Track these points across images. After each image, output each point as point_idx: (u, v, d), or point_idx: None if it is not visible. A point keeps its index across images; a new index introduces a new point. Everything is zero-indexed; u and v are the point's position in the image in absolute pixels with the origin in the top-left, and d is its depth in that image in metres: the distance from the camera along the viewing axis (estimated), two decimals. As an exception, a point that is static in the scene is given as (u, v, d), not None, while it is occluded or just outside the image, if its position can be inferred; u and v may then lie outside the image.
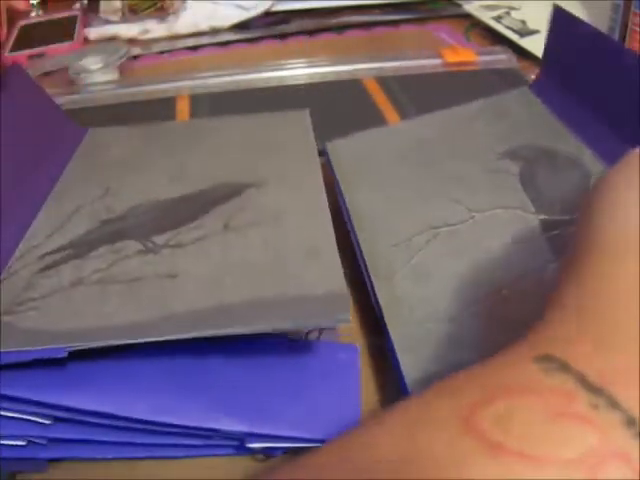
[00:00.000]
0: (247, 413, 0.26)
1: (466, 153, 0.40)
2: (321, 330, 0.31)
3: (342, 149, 0.42)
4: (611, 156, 0.37)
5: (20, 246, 0.33)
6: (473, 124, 0.43)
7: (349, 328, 0.32)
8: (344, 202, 0.38)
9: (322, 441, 0.25)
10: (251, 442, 0.26)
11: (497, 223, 0.35)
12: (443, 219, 0.36)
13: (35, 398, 0.25)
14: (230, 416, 0.25)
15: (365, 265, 0.34)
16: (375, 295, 0.32)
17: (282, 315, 0.26)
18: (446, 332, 0.30)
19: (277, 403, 0.26)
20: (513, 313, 0.30)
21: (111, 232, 0.34)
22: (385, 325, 0.30)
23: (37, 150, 0.39)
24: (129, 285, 0.30)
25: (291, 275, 0.29)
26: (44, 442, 0.26)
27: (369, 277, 0.33)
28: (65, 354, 0.25)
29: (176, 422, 0.25)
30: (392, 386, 0.30)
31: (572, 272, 0.21)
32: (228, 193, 0.35)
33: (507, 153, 0.39)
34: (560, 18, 0.43)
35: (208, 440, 0.26)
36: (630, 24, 0.51)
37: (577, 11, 0.61)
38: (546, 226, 0.34)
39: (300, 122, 0.43)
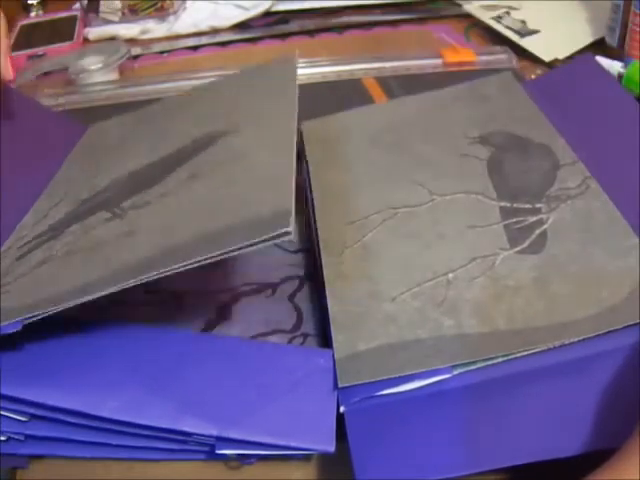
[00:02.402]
0: (218, 417, 0.25)
1: (438, 136, 0.41)
2: (305, 336, 0.31)
3: (316, 129, 0.41)
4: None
5: (8, 240, 0.34)
6: (450, 108, 0.43)
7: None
8: (309, 179, 0.38)
9: (295, 448, 0.25)
10: (221, 448, 0.25)
11: (456, 208, 0.35)
12: (403, 200, 0.36)
13: (10, 394, 0.25)
14: (201, 419, 0.25)
15: (317, 240, 0.34)
16: (322, 269, 0.32)
17: (224, 240, 0.25)
18: (384, 311, 0.30)
19: (250, 408, 0.26)
20: (454, 296, 0.30)
21: (85, 209, 0.34)
22: (326, 300, 0.31)
23: (33, 150, 0.40)
24: (91, 251, 0.30)
25: (243, 205, 0.28)
26: (22, 438, 0.26)
27: (319, 252, 0.33)
28: (19, 327, 0.25)
29: (146, 423, 0.25)
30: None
31: None
32: (202, 145, 0.35)
33: (480, 138, 0.40)
34: (586, 62, 0.43)
35: (179, 444, 0.26)
36: (630, 24, 0.51)
37: (577, 11, 0.61)
38: (505, 213, 0.34)
39: (286, 67, 0.42)
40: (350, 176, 0.38)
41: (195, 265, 0.24)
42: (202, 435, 0.25)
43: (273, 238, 0.24)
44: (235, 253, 0.24)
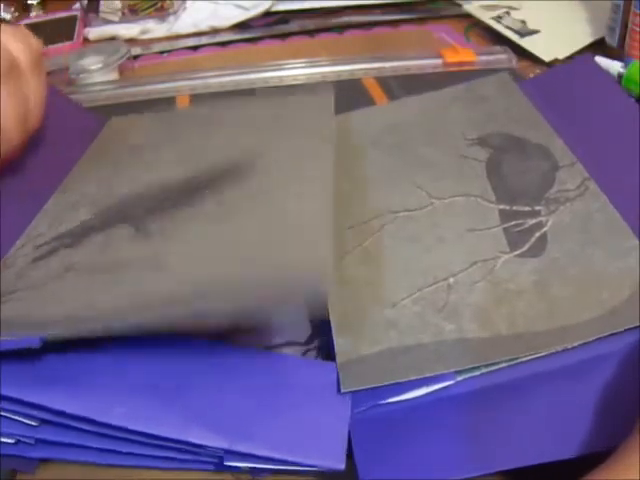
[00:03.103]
0: (227, 429, 0.25)
1: (438, 138, 0.40)
2: (319, 349, 0.31)
3: None
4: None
5: (23, 236, 0.33)
6: (448, 109, 0.43)
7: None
8: None
9: (304, 465, 0.24)
10: (229, 460, 0.25)
11: (455, 211, 0.35)
12: (402, 204, 0.36)
13: (20, 397, 0.24)
14: (209, 431, 0.25)
15: None
16: None
17: (257, 295, 0.25)
18: (385, 316, 0.30)
19: (260, 422, 0.25)
20: (455, 301, 0.30)
21: (106, 219, 0.33)
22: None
23: (50, 143, 0.39)
24: (114, 271, 0.29)
25: (276, 255, 0.27)
26: (32, 442, 0.26)
27: None
28: (39, 344, 0.24)
29: (154, 432, 0.24)
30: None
31: None
32: (230, 172, 0.35)
33: (478, 139, 0.39)
34: (585, 63, 0.43)
35: (187, 455, 0.25)
36: (630, 24, 0.51)
37: (577, 11, 0.61)
38: (504, 216, 0.34)
39: (322, 106, 0.41)
40: (350, 179, 0.38)
41: (218, 314, 0.24)
42: (210, 447, 0.24)
43: (308, 298, 0.25)
44: (262, 307, 0.25)
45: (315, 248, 0.27)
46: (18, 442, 0.26)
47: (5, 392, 0.24)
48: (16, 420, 0.25)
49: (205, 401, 0.26)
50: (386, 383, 0.27)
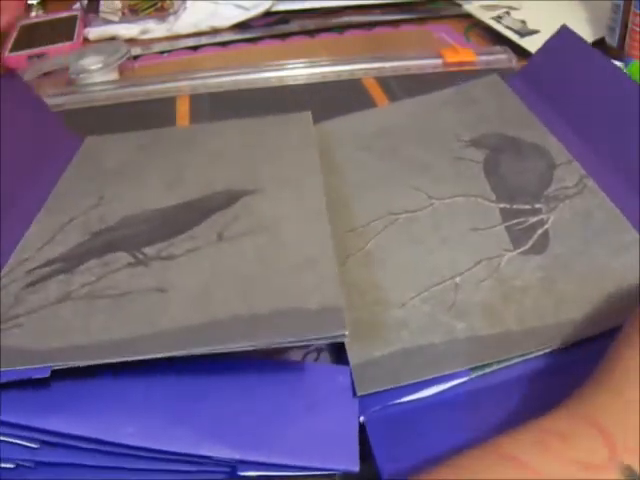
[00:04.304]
0: (239, 440, 0.25)
1: (432, 141, 0.41)
2: (320, 351, 0.31)
3: None
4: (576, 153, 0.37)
5: (10, 260, 0.33)
6: (441, 112, 0.43)
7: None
8: None
9: (317, 469, 0.24)
10: (243, 470, 0.25)
11: (456, 211, 0.35)
12: (403, 206, 0.36)
13: (22, 422, 0.24)
14: (222, 443, 0.24)
15: None
16: None
17: (274, 331, 0.25)
18: (395, 317, 0.30)
19: (271, 429, 0.25)
20: (463, 299, 0.30)
21: (102, 244, 0.33)
22: None
23: (32, 161, 0.38)
24: (117, 300, 0.29)
25: (285, 288, 0.28)
26: (32, 465, 0.25)
27: None
28: (48, 374, 0.24)
29: (165, 448, 0.24)
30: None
31: None
32: (224, 201, 0.35)
33: (472, 141, 0.40)
34: (565, 36, 0.43)
35: (198, 466, 0.25)
36: (630, 24, 0.51)
37: (577, 11, 0.61)
38: (505, 215, 0.34)
39: (301, 124, 0.42)
40: (346, 183, 0.38)
41: (238, 349, 0.25)
42: (223, 459, 0.24)
43: (325, 339, 0.25)
44: (279, 345, 0.25)
45: (323, 282, 0.28)
46: (17, 466, 0.25)
47: (7, 418, 0.24)
48: (16, 444, 0.25)
49: (214, 412, 0.26)
50: (401, 384, 0.27)
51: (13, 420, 0.24)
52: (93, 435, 0.24)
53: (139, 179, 0.38)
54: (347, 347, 0.29)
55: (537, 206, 0.34)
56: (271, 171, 0.37)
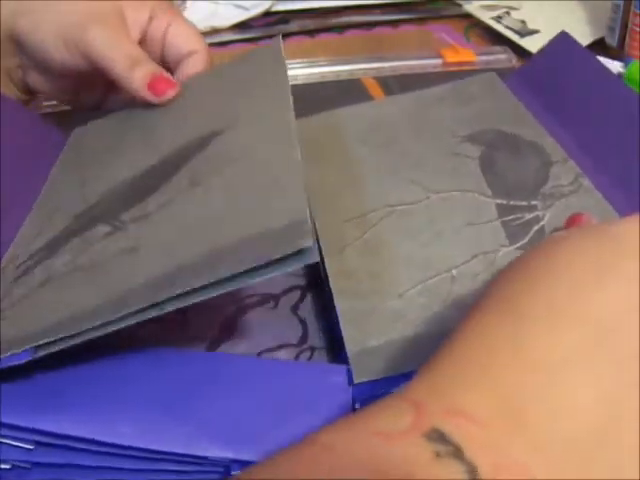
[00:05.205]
0: (233, 439, 0.24)
1: (427, 136, 0.41)
2: (313, 350, 0.31)
3: (304, 128, 0.41)
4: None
5: (4, 258, 0.33)
6: (437, 107, 0.43)
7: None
8: None
9: None
10: (236, 469, 0.24)
11: (452, 205, 0.35)
12: (399, 198, 0.36)
13: (17, 423, 0.24)
14: (216, 442, 0.24)
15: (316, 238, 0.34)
16: (324, 268, 0.32)
17: (240, 257, 0.24)
18: (391, 307, 0.30)
19: (265, 429, 0.25)
20: (460, 292, 0.30)
21: (83, 223, 0.32)
22: (332, 297, 0.30)
23: (21, 163, 0.38)
24: (93, 269, 0.28)
25: (252, 216, 0.26)
26: (28, 466, 0.25)
27: (319, 250, 0.32)
28: (30, 357, 0.24)
29: (161, 448, 0.24)
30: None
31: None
32: (196, 147, 0.33)
33: (469, 137, 0.40)
34: (564, 41, 0.43)
35: (193, 466, 0.25)
36: (630, 24, 0.51)
37: (577, 11, 0.61)
38: (502, 211, 0.34)
39: (272, 55, 0.39)
40: (342, 174, 0.38)
41: (201, 284, 0.23)
42: (218, 459, 0.24)
43: (292, 256, 0.22)
44: (244, 269, 0.23)
45: (290, 202, 0.26)
46: (14, 467, 0.25)
47: (2, 419, 0.24)
48: (12, 445, 0.25)
49: (209, 412, 0.26)
50: (398, 373, 0.27)
51: (8, 421, 0.24)
52: (88, 435, 0.24)
53: (116, 153, 0.38)
54: (344, 334, 0.29)
55: (533, 203, 0.35)
56: (240, 108, 0.35)
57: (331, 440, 0.16)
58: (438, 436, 0.15)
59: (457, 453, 0.15)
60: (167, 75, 0.40)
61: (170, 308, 0.24)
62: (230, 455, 0.24)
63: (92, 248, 0.30)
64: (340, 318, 0.30)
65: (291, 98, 0.33)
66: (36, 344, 0.24)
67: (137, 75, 0.39)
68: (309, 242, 0.22)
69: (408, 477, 0.14)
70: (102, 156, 0.39)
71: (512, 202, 0.35)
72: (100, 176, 0.36)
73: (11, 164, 0.36)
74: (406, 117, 0.43)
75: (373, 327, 0.29)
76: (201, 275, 0.23)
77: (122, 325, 0.24)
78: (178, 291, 0.23)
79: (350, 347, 0.28)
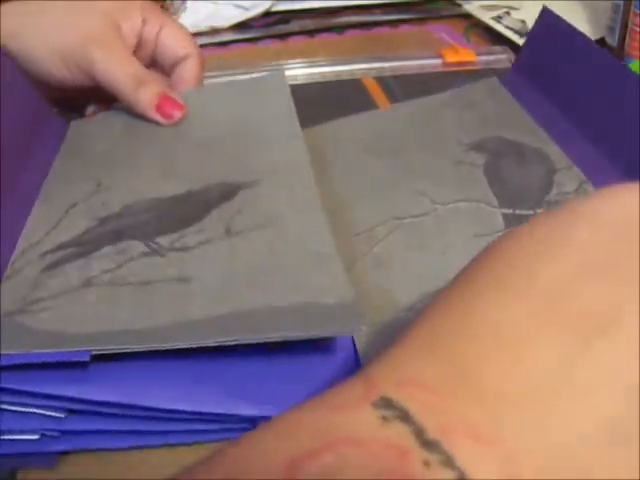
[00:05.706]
0: (259, 399, 0.26)
1: (432, 144, 0.41)
2: None
3: (308, 138, 0.41)
4: (576, 153, 0.38)
5: (20, 242, 0.33)
6: (440, 115, 0.43)
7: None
8: None
9: None
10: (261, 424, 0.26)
11: (459, 216, 0.35)
12: (406, 210, 0.36)
13: (51, 392, 0.24)
14: (243, 401, 0.26)
15: None
16: None
17: (297, 324, 0.26)
18: (402, 321, 0.30)
19: (291, 391, 0.26)
20: None
21: (112, 231, 0.33)
22: None
23: (23, 143, 0.38)
24: (140, 288, 0.29)
25: (299, 282, 0.28)
26: (56, 435, 0.26)
27: None
28: (88, 358, 0.25)
29: (191, 409, 0.25)
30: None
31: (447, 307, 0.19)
32: (223, 194, 0.34)
33: (473, 145, 0.40)
34: (547, 18, 0.43)
35: (221, 424, 0.26)
36: (630, 24, 0.51)
37: (577, 11, 0.61)
38: (508, 220, 0.34)
39: (278, 90, 0.41)
40: (348, 187, 0.38)
41: (267, 340, 0.25)
42: (246, 416, 0.26)
43: (346, 332, 0.27)
44: (304, 338, 0.26)
45: (334, 277, 0.28)
46: (42, 437, 0.26)
47: (34, 388, 0.24)
48: (41, 415, 0.25)
49: (237, 372, 0.27)
50: None
51: (39, 390, 0.24)
52: (124, 400, 0.25)
53: (132, 165, 0.38)
54: (357, 348, 0.29)
55: (539, 211, 0.35)
56: (260, 160, 0.37)
57: (292, 416, 0.17)
58: (385, 403, 0.16)
59: (403, 416, 0.15)
60: (172, 95, 0.41)
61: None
62: (256, 412, 0.26)
63: (134, 264, 0.30)
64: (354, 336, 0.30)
65: (305, 148, 0.36)
66: (98, 348, 0.25)
67: (143, 97, 0.40)
68: (361, 327, 0.26)
69: (353, 439, 0.15)
70: (115, 161, 0.39)
71: (518, 211, 0.35)
72: (118, 183, 0.36)
73: (11, 141, 0.36)
74: (409, 125, 0.43)
75: (385, 341, 0.29)
76: (260, 331, 0.26)
77: (175, 347, 0.26)
78: (236, 337, 0.25)
79: (363, 362, 0.28)
